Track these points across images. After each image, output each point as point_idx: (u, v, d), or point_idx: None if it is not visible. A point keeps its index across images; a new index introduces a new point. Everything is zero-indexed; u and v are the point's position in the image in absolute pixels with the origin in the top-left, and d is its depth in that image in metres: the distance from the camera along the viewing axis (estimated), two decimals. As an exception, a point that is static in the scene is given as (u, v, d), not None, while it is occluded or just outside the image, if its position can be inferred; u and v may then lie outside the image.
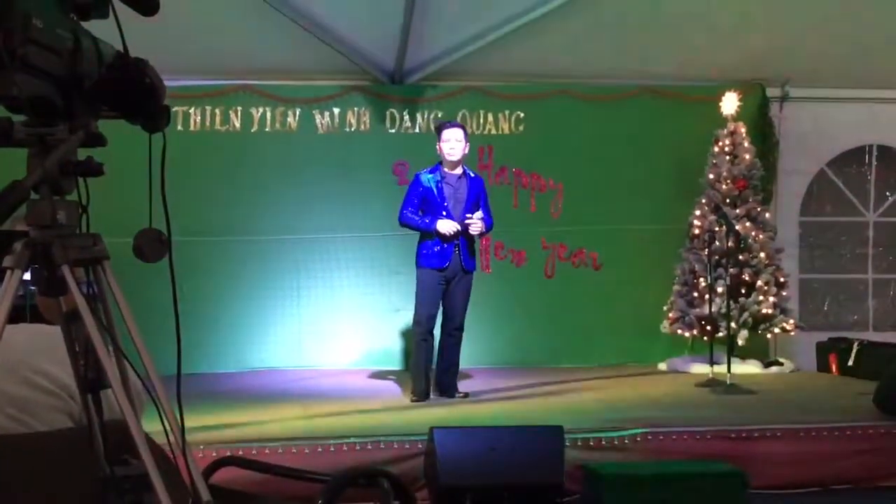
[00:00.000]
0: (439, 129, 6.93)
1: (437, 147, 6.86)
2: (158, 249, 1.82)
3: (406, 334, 8.76)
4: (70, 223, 1.76)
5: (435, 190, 6.75)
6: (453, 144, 6.76)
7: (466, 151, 6.88)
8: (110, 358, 1.78)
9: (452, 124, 7.04)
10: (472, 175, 6.99)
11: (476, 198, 6.84)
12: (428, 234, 6.75)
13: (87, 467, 1.85)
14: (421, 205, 6.80)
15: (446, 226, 6.65)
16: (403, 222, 6.87)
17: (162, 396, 1.84)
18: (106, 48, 1.79)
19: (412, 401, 6.75)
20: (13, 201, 1.60)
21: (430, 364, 6.87)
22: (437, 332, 6.89)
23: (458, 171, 6.85)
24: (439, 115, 8.81)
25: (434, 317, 6.83)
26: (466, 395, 6.87)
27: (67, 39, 1.69)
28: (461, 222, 6.67)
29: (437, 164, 6.88)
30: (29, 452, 2.13)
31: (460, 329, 6.86)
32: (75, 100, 1.73)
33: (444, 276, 6.74)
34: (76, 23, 1.75)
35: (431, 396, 6.78)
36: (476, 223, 6.70)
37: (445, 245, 6.69)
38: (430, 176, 6.82)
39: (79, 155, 1.77)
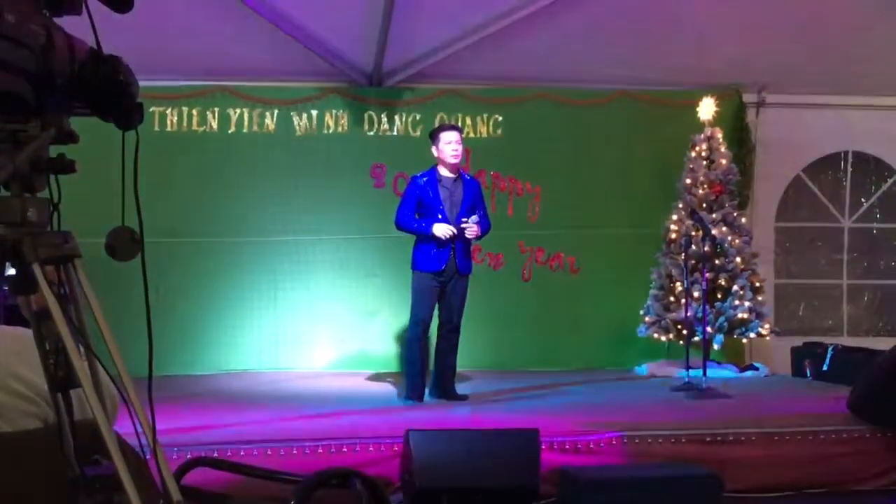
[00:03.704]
0: (437, 132, 6.85)
1: (435, 150, 6.78)
2: (130, 248, 1.80)
3: (383, 336, 8.75)
4: (41, 221, 1.74)
5: (431, 193, 6.69)
6: (455, 146, 6.71)
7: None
8: (81, 358, 1.76)
9: (452, 126, 7.02)
10: (468, 178, 6.96)
11: (472, 201, 6.79)
12: (424, 238, 6.70)
13: (57, 467, 1.83)
14: (417, 208, 6.75)
15: (442, 229, 6.59)
16: (400, 225, 6.80)
17: (133, 397, 1.81)
18: (79, 44, 1.78)
19: (405, 398, 6.77)
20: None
21: (425, 366, 6.86)
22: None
23: (455, 174, 6.82)
24: (417, 118, 8.81)
25: (430, 319, 6.79)
26: (466, 397, 6.82)
27: (40, 35, 1.67)
28: (457, 226, 6.65)
29: (433, 167, 6.81)
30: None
31: (456, 331, 6.82)
32: (47, 96, 1.71)
33: (441, 280, 6.70)
34: (49, 18, 1.73)
35: (430, 399, 6.76)
36: (472, 227, 6.65)
37: (442, 248, 6.66)
38: (427, 179, 6.76)
39: (51, 152, 1.76)
